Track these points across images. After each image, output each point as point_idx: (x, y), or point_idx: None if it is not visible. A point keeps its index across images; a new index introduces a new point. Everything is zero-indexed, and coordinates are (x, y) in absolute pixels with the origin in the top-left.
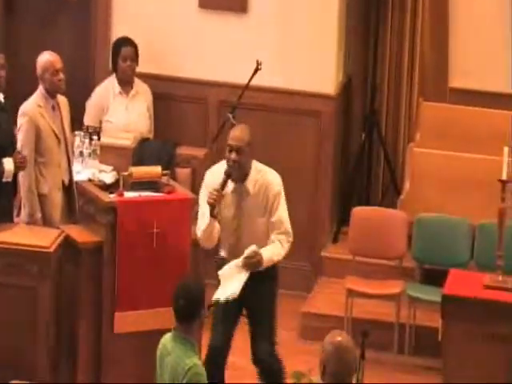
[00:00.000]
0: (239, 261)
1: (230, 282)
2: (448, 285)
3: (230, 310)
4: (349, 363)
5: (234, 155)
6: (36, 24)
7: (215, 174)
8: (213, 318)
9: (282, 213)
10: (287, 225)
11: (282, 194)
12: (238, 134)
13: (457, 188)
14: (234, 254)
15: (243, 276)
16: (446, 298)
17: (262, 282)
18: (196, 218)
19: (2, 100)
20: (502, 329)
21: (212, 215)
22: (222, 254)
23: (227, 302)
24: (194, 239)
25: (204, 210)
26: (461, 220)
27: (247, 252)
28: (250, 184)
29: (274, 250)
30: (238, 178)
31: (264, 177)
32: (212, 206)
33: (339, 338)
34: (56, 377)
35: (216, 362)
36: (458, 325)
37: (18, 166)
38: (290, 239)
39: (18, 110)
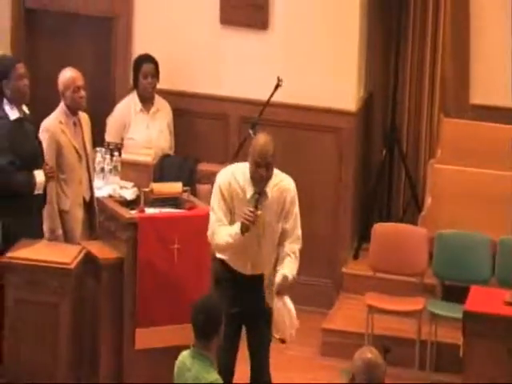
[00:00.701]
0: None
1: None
2: (469, 301)
3: (231, 332)
4: (377, 379)
5: (263, 171)
6: (57, 39)
7: (234, 177)
8: None
9: (296, 219)
10: (299, 230)
11: (297, 199)
12: (264, 149)
13: (478, 204)
14: (255, 259)
15: (288, 304)
16: (468, 314)
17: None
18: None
19: (27, 111)
20: None
21: (242, 234)
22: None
23: (227, 324)
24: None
25: (220, 216)
26: (482, 236)
27: (277, 281)
28: (269, 189)
29: (292, 266)
30: None
31: (282, 182)
32: (246, 227)
33: (369, 355)
34: None
35: None
36: (479, 341)
37: (48, 177)
38: (300, 246)
39: (39, 124)
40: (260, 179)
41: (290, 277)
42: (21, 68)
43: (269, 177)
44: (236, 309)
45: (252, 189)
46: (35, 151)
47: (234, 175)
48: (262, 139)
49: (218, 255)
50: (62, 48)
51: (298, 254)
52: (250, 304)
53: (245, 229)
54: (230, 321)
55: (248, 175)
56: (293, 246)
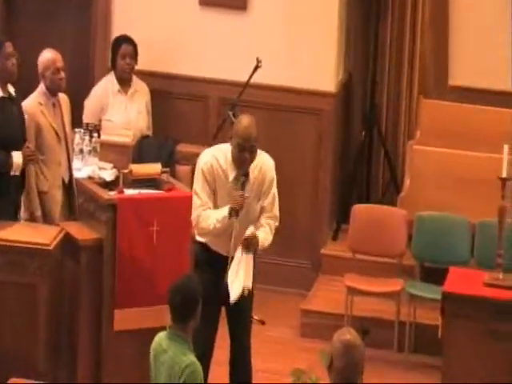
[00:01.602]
0: (238, 252)
1: (239, 277)
2: (448, 283)
3: (210, 315)
4: (356, 361)
5: (247, 155)
6: (36, 21)
7: (216, 160)
8: None
9: (274, 197)
10: (277, 210)
11: (275, 179)
12: (247, 132)
13: (457, 186)
14: (236, 239)
15: (248, 263)
16: (446, 295)
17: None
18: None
19: (13, 93)
20: (501, 326)
21: (230, 218)
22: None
23: (206, 307)
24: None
25: (205, 200)
26: (461, 218)
27: (247, 233)
28: (250, 170)
29: (265, 235)
30: None
31: (261, 162)
32: (236, 211)
33: (348, 336)
34: (56, 374)
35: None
36: (457, 322)
37: (28, 160)
38: (277, 224)
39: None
40: (244, 162)
41: (260, 238)
42: (9, 47)
43: (252, 159)
44: (216, 291)
45: (234, 171)
46: (16, 132)
47: (216, 157)
48: (245, 121)
49: (198, 238)
50: (40, 29)
51: (272, 229)
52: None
53: (234, 213)
54: (211, 303)
55: (230, 157)
56: (269, 221)
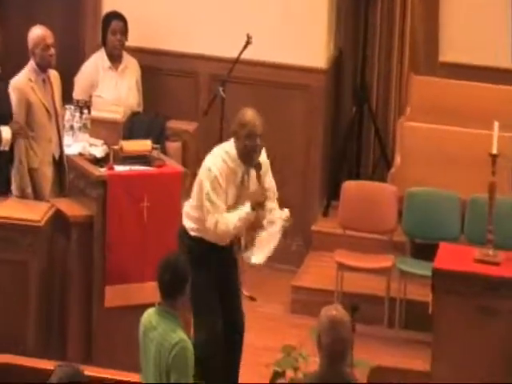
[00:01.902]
0: (276, 227)
1: (264, 248)
2: (438, 259)
3: (213, 295)
4: (343, 335)
5: (258, 141)
6: None
7: (225, 163)
8: (197, 308)
9: (271, 178)
10: (275, 188)
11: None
12: (256, 120)
13: (447, 162)
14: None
15: (273, 243)
16: (437, 271)
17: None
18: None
19: None
20: (491, 303)
21: (254, 210)
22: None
23: (208, 290)
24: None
25: (221, 206)
26: (451, 194)
27: (285, 214)
28: None
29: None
30: None
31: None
32: (260, 204)
33: (334, 312)
34: (46, 350)
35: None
36: (448, 298)
37: (17, 134)
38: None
39: (8, 82)
40: (255, 151)
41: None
42: None
43: (261, 148)
44: (216, 278)
45: (241, 167)
46: (2, 109)
47: (225, 160)
48: (249, 112)
49: (193, 233)
50: (30, 5)
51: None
52: (226, 268)
53: (258, 207)
54: (213, 292)
55: (234, 155)
56: (275, 204)
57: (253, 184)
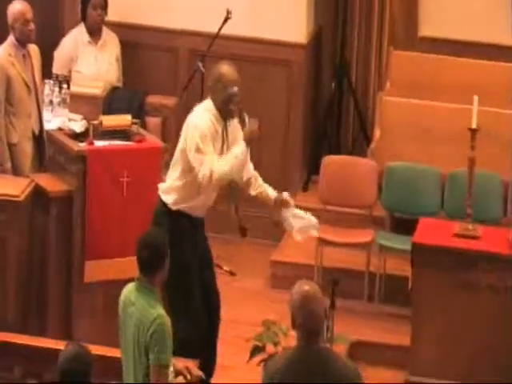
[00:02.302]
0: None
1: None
2: (418, 233)
3: (194, 278)
4: (316, 312)
5: (237, 91)
6: None
7: (211, 120)
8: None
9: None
10: None
11: None
12: (233, 71)
13: (427, 137)
14: (212, 194)
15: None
16: (416, 246)
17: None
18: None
19: None
20: (471, 277)
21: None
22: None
23: (189, 272)
24: None
25: (213, 153)
26: (431, 169)
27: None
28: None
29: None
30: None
31: None
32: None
33: (306, 287)
34: (26, 327)
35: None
36: (427, 273)
37: None
38: None
39: None
40: (232, 100)
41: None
42: None
43: (239, 98)
44: (199, 255)
45: (221, 124)
46: None
47: (211, 119)
48: (225, 65)
49: (175, 207)
50: None
51: None
52: (203, 244)
53: (251, 142)
54: (197, 269)
55: (215, 112)
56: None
57: (233, 139)
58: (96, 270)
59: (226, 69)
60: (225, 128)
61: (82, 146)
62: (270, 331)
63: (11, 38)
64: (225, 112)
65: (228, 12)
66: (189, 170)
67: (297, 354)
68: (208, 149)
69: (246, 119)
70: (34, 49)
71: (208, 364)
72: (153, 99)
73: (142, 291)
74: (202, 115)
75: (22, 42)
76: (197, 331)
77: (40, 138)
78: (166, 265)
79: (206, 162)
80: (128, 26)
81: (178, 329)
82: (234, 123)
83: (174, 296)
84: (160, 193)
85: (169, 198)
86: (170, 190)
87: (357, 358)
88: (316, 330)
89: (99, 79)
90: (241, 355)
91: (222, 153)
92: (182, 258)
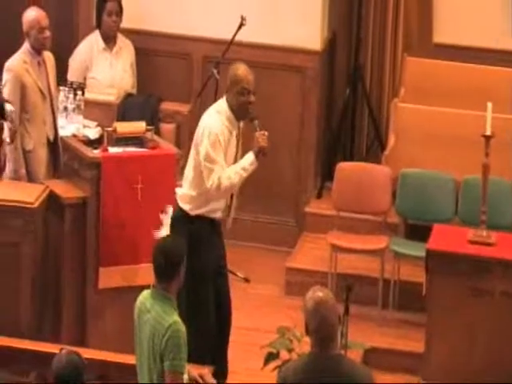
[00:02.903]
0: None
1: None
2: (432, 240)
3: (210, 285)
4: (329, 318)
5: (252, 97)
6: None
7: (224, 123)
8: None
9: None
10: None
11: None
12: (250, 75)
13: (441, 143)
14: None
15: None
16: (430, 252)
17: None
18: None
19: None
20: (485, 283)
21: (258, 158)
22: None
23: (207, 279)
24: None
25: (222, 163)
26: (445, 175)
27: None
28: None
29: None
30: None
31: None
32: (263, 150)
33: (319, 294)
34: (40, 333)
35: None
36: (441, 280)
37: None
38: None
39: (2, 65)
40: (249, 104)
41: None
42: None
43: (254, 101)
44: (214, 261)
45: (235, 125)
46: None
47: (224, 122)
48: (242, 67)
49: (194, 212)
50: None
51: None
52: (221, 248)
53: (263, 153)
54: (210, 280)
55: (229, 114)
56: None
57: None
58: (110, 277)
59: (245, 72)
60: (238, 128)
61: (97, 152)
62: (284, 338)
63: (26, 45)
64: (239, 114)
65: (242, 18)
66: (200, 176)
67: (310, 361)
68: (219, 158)
69: (257, 129)
70: (48, 56)
71: (219, 370)
72: (167, 106)
73: (158, 298)
74: (216, 119)
75: (37, 50)
76: (206, 338)
77: (54, 145)
78: (182, 272)
79: (215, 172)
80: (142, 32)
81: (188, 334)
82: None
83: (187, 302)
84: (178, 199)
85: (187, 205)
86: (186, 196)
87: (371, 364)
88: (329, 336)
89: (114, 86)
90: (255, 362)
91: (236, 152)
92: (198, 264)
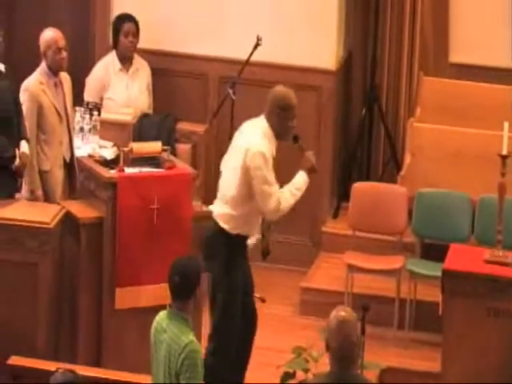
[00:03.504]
0: None
1: None
2: (448, 259)
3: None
4: (350, 338)
5: (295, 122)
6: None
7: (268, 143)
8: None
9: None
10: None
11: None
12: (294, 98)
13: (457, 163)
14: None
15: None
16: (447, 272)
17: None
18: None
19: (3, 69)
20: (501, 304)
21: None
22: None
23: (238, 297)
24: (197, 213)
25: (276, 184)
26: (461, 195)
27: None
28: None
29: None
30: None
31: None
32: (314, 168)
33: (343, 313)
34: (57, 353)
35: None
36: (458, 300)
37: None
38: None
39: (19, 84)
40: (291, 130)
41: None
42: None
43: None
44: (248, 277)
45: (274, 145)
46: (4, 106)
47: (268, 142)
48: (292, 94)
49: (236, 231)
50: (40, 6)
51: None
52: (248, 265)
53: (314, 170)
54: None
55: (270, 134)
56: None
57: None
58: (126, 297)
59: (295, 100)
60: (299, 139)
61: (113, 172)
62: (300, 358)
63: (43, 66)
64: (281, 136)
65: (258, 39)
66: (249, 197)
67: (329, 380)
68: (273, 180)
69: (303, 148)
70: (65, 77)
71: None
72: (183, 126)
73: (174, 318)
74: (264, 140)
75: (53, 70)
76: (227, 357)
77: (71, 165)
78: (198, 292)
79: (274, 194)
80: (159, 52)
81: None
82: None
83: (218, 320)
84: (215, 217)
85: (227, 224)
86: (226, 215)
87: None
88: (349, 356)
89: (130, 106)
90: (271, 381)
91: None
92: (234, 285)
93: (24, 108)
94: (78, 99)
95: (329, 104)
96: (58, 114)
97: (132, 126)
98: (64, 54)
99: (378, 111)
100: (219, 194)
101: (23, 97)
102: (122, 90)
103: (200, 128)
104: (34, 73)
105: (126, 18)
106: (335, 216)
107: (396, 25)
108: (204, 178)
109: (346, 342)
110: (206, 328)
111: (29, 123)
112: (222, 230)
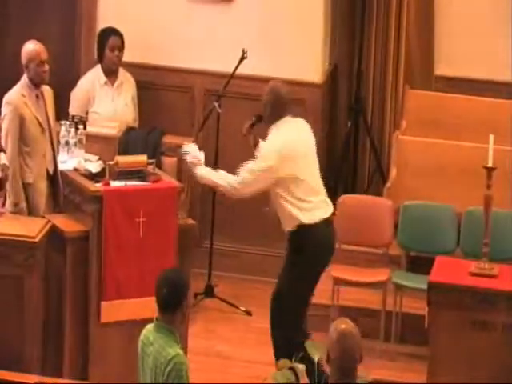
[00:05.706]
0: None
1: None
2: (434, 272)
3: None
4: (350, 350)
5: None
6: (22, 14)
7: None
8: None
9: None
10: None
11: None
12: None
13: (443, 175)
14: None
15: None
16: (432, 285)
17: None
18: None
19: None
20: (487, 316)
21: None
22: None
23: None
24: (182, 226)
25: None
26: (447, 207)
27: None
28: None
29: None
30: None
31: None
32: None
33: (343, 326)
34: (43, 366)
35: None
36: (444, 312)
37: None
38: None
39: (1, 99)
40: None
41: None
42: None
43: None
44: None
45: None
46: None
47: None
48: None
49: (308, 220)
50: (26, 20)
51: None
52: None
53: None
54: None
55: None
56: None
57: None
58: (112, 311)
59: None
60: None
61: (98, 186)
62: (286, 371)
63: (24, 78)
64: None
65: (244, 52)
66: (282, 187)
67: None
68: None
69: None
70: (47, 89)
71: None
72: (169, 139)
73: (161, 331)
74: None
75: (35, 83)
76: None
77: (54, 178)
78: (185, 305)
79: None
80: (144, 66)
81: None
82: None
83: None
84: (288, 222)
85: (299, 218)
86: (290, 212)
87: None
88: (350, 367)
89: (115, 120)
90: None
91: None
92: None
93: (6, 121)
94: (63, 113)
95: (314, 117)
96: (41, 126)
97: (117, 139)
98: (46, 67)
99: (364, 124)
100: (321, 196)
101: (5, 110)
102: (108, 103)
103: (186, 141)
104: (15, 85)
105: (111, 31)
106: None
107: (381, 38)
108: (189, 192)
109: (346, 353)
110: (192, 341)
111: (11, 136)
112: (297, 227)
